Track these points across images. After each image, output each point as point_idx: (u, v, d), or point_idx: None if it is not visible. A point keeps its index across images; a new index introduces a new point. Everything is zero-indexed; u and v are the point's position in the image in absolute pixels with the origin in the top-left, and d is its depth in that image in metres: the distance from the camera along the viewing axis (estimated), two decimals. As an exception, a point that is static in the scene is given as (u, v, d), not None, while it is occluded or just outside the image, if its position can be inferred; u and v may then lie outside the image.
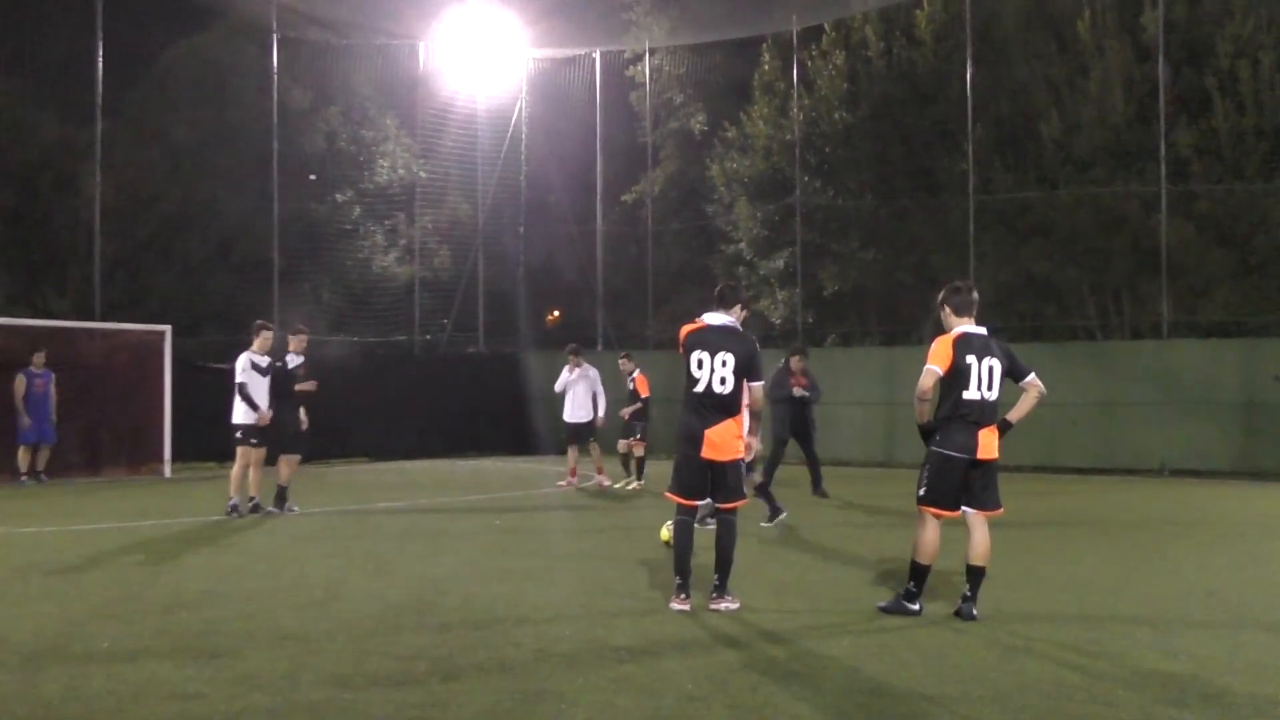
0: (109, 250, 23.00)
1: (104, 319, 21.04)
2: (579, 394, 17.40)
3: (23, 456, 18.09)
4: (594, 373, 17.63)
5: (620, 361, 17.84)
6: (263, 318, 14.61)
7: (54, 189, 24.54)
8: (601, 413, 17.47)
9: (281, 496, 13.70)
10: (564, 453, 18.33)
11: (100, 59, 21.62)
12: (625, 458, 17.60)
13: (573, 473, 17.71)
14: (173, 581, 8.97)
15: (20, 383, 17.93)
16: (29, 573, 9.39)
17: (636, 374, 17.43)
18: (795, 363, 15.27)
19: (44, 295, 24.19)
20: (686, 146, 29.40)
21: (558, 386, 17.67)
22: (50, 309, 23.37)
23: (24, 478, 17.98)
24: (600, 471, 17.58)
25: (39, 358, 18.19)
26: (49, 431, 18.25)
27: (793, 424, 15.17)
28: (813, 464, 15.93)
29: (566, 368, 17.59)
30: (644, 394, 17.32)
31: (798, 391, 15.18)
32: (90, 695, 5.68)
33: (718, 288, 8.21)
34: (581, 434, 17.61)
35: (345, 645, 6.74)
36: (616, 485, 17.26)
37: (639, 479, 17.24)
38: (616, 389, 18.24)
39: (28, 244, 24.74)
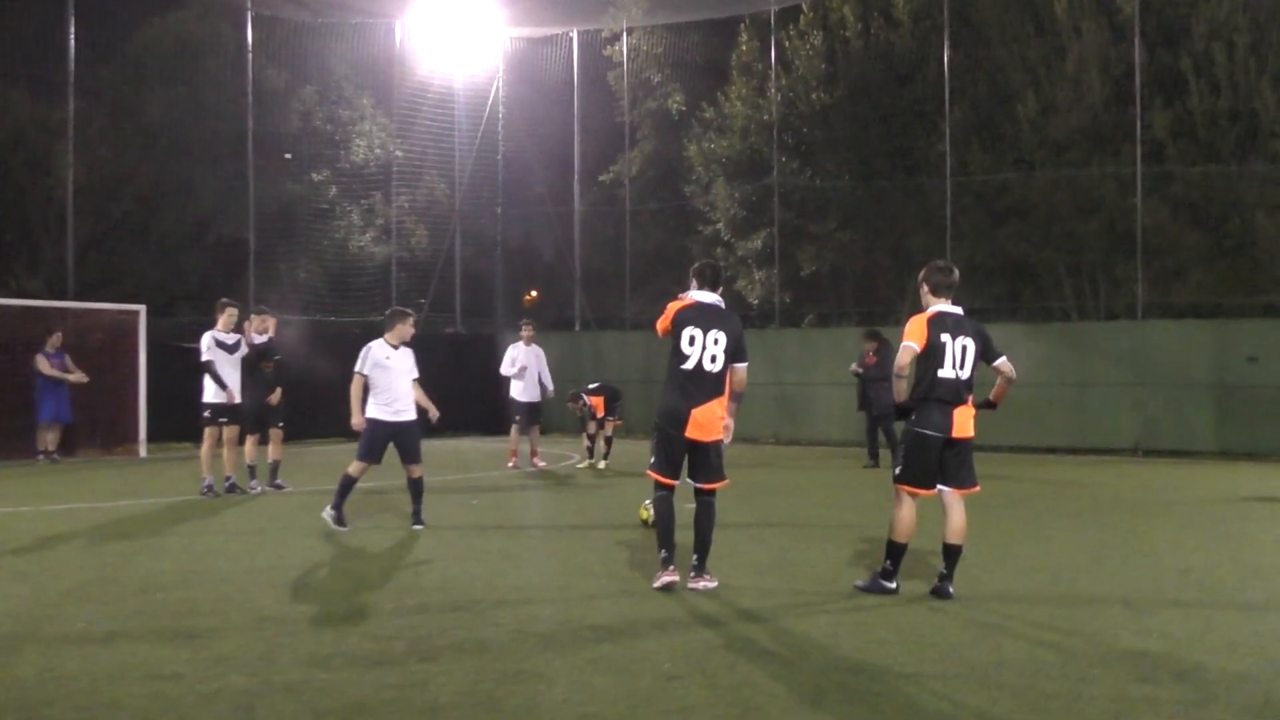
0: (82, 230, 22.78)
1: (78, 299, 20.84)
2: (531, 372, 16.94)
3: (41, 434, 18.38)
4: (540, 350, 17.30)
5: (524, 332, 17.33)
6: (239, 298, 14.60)
7: (26, 168, 24.25)
8: (550, 388, 17.29)
9: (273, 472, 14.01)
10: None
11: (72, 36, 21.29)
12: (590, 436, 17.46)
13: (534, 453, 17.27)
14: (148, 562, 8.93)
15: (41, 362, 18.37)
16: (1, 554, 9.33)
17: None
18: (866, 343, 17.37)
19: (16, 275, 23.92)
20: (664, 126, 29.28)
21: (513, 366, 16.98)
22: (23, 289, 23.12)
23: (41, 456, 18.24)
24: (516, 455, 17.29)
25: (54, 339, 18.64)
26: (66, 411, 18.56)
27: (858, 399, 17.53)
28: (874, 437, 17.35)
29: (520, 343, 17.13)
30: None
31: (852, 367, 17.49)
32: (66, 677, 5.65)
33: (698, 265, 8.15)
34: (535, 414, 17.22)
35: (323, 626, 6.73)
36: (545, 465, 17.26)
37: (604, 459, 17.26)
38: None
39: (-1, 223, 24.50)
